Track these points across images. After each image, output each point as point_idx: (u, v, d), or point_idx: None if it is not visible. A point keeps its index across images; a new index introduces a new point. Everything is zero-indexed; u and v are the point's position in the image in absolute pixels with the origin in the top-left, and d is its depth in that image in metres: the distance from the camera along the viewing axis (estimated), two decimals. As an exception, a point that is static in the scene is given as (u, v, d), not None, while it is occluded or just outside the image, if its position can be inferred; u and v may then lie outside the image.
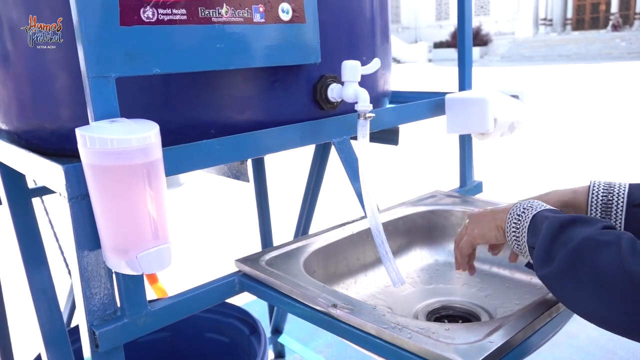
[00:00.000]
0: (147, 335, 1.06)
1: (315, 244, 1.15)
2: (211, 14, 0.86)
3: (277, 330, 2.26)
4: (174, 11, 0.82)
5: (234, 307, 1.62)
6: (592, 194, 0.89)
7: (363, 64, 1.05)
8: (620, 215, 0.86)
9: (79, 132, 0.73)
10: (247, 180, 1.21)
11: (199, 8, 0.84)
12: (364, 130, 1.02)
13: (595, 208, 0.88)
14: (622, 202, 0.86)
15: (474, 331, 0.77)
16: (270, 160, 2.06)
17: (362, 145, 1.02)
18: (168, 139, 0.83)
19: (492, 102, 1.36)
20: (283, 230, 2.53)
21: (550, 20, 28.47)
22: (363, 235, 1.23)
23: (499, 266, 1.25)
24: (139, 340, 1.10)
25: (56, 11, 0.87)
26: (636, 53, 21.98)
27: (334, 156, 1.34)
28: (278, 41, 0.96)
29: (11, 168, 1.06)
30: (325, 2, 1.06)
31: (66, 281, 1.82)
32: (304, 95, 1.09)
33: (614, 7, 26.77)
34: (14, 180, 1.11)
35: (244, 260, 1.07)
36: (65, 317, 1.82)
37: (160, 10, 0.80)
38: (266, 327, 2.19)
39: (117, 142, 0.71)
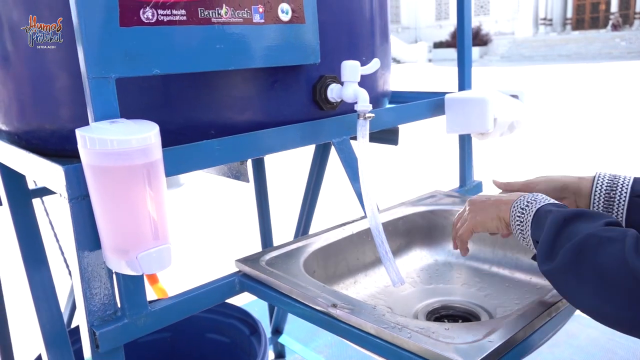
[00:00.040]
0: (148, 336, 1.07)
1: (315, 244, 1.15)
2: (211, 15, 0.86)
3: (277, 331, 2.26)
4: (174, 12, 0.82)
5: (234, 307, 1.62)
6: (597, 182, 0.90)
7: (362, 64, 1.06)
8: (623, 204, 0.86)
9: (79, 132, 0.73)
10: (247, 181, 1.21)
11: (199, 9, 0.84)
12: (363, 130, 1.02)
13: (599, 195, 0.89)
14: (626, 191, 0.86)
15: (474, 331, 0.77)
16: (271, 161, 2.06)
17: (361, 146, 1.02)
18: (168, 140, 0.84)
19: (492, 102, 1.36)
20: (283, 231, 2.53)
21: (550, 20, 28.48)
22: (363, 235, 1.23)
23: (498, 266, 1.25)
24: (139, 341, 1.10)
25: (56, 11, 0.87)
26: (636, 52, 21.98)
27: (334, 156, 1.34)
28: (277, 41, 0.96)
29: (11, 169, 1.06)
30: (325, 3, 1.06)
31: (67, 282, 1.82)
32: (304, 96, 1.09)
33: (614, 6, 26.78)
34: (14, 181, 1.12)
35: (244, 261, 1.07)
36: (65, 318, 1.82)
37: (160, 11, 0.80)
38: (266, 327, 2.19)
39: (117, 143, 0.72)
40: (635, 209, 0.85)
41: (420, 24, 35.01)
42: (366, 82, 1.14)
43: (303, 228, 2.01)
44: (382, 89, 1.31)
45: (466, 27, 1.52)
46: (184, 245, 3.64)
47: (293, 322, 2.33)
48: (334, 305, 0.87)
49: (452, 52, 25.59)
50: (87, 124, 0.78)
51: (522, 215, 0.81)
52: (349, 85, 1.04)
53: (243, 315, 1.60)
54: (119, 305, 0.89)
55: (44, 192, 1.53)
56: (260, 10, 0.92)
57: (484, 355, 0.71)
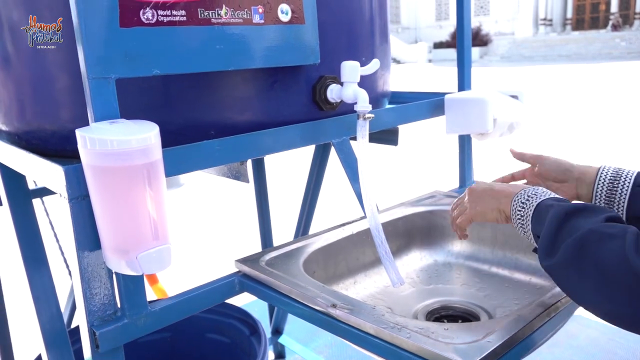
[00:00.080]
0: (148, 336, 1.07)
1: (315, 244, 1.16)
2: (210, 15, 0.86)
3: (277, 331, 2.26)
4: (174, 12, 0.82)
5: (234, 307, 1.62)
6: (602, 171, 0.93)
7: (362, 65, 1.06)
8: (625, 193, 0.88)
9: (79, 133, 0.74)
10: (247, 181, 1.21)
11: (199, 9, 0.84)
12: (363, 130, 1.02)
13: (602, 183, 0.91)
14: (629, 182, 0.88)
15: (473, 331, 0.78)
16: (271, 161, 2.06)
17: (361, 146, 1.02)
18: (168, 140, 0.84)
19: (492, 103, 1.36)
20: (283, 231, 2.53)
21: (550, 20, 28.48)
22: (363, 236, 1.23)
23: (498, 266, 1.25)
24: (139, 341, 1.10)
25: (56, 11, 0.87)
26: (636, 53, 21.98)
27: (333, 156, 1.34)
28: (277, 42, 0.96)
29: (11, 169, 1.06)
30: (325, 3, 1.06)
31: (67, 282, 1.82)
32: (304, 96, 1.09)
33: (614, 6, 26.78)
34: (15, 181, 1.12)
35: (244, 261, 1.07)
36: (65, 318, 1.82)
37: (160, 12, 0.81)
38: (266, 327, 2.19)
39: (117, 143, 0.72)
40: (637, 198, 0.87)
41: (420, 24, 35.01)
42: (366, 82, 1.14)
43: (303, 228, 2.01)
44: (382, 89, 1.31)
45: (466, 28, 1.52)
46: (184, 246, 3.64)
47: (293, 323, 2.33)
48: (334, 306, 0.87)
49: (452, 53, 25.58)
50: (87, 124, 0.79)
51: (523, 210, 0.81)
52: (348, 85, 1.05)
53: (243, 316, 1.60)
54: (119, 305, 0.89)
55: (44, 192, 1.53)
56: (260, 10, 0.92)
57: (483, 356, 0.71)
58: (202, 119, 0.98)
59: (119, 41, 0.77)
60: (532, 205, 0.80)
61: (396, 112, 1.31)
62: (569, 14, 28.48)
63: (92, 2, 0.74)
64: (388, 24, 1.34)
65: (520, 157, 1.10)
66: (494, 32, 29.42)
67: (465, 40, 1.52)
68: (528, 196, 0.82)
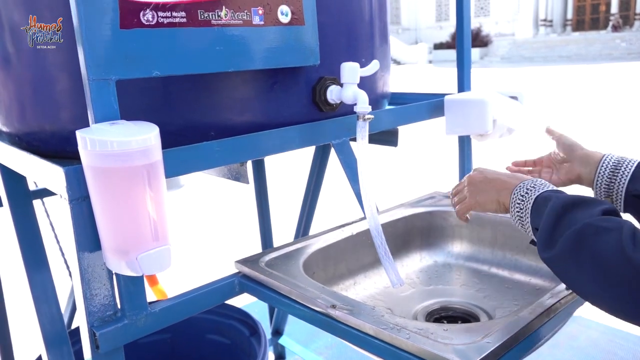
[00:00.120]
0: (148, 337, 1.07)
1: (315, 245, 1.16)
2: (210, 17, 0.86)
3: (277, 332, 2.26)
4: (174, 14, 0.82)
5: (234, 308, 1.62)
6: (607, 156, 0.95)
7: (362, 66, 1.06)
8: (627, 173, 0.90)
9: (79, 134, 0.74)
10: (247, 182, 1.21)
11: (199, 11, 0.85)
12: (362, 131, 1.02)
13: (607, 164, 0.93)
14: (632, 164, 0.90)
15: (472, 332, 0.78)
16: (271, 162, 2.06)
17: (361, 147, 1.02)
18: (168, 141, 0.84)
19: (491, 104, 1.37)
20: (283, 232, 2.53)
21: (551, 21, 28.48)
22: (362, 237, 1.23)
23: (497, 267, 1.25)
24: (139, 342, 1.10)
25: (56, 11, 0.87)
26: (636, 53, 21.98)
27: (334, 157, 1.34)
28: (277, 43, 0.96)
29: (12, 170, 1.06)
30: (324, 4, 1.07)
31: (67, 283, 1.82)
32: (303, 97, 1.10)
33: (614, 7, 26.77)
34: (15, 182, 1.12)
35: (244, 262, 1.08)
36: (66, 319, 1.83)
37: (160, 13, 0.81)
38: (266, 328, 2.19)
39: (117, 144, 0.72)
40: (638, 178, 0.89)
41: (420, 25, 35.02)
42: (366, 83, 1.14)
43: (303, 229, 2.01)
44: (382, 90, 1.31)
45: (465, 29, 1.52)
46: (184, 247, 3.64)
47: (293, 324, 2.33)
48: (333, 306, 0.87)
49: (452, 54, 25.56)
50: (87, 125, 0.79)
51: (522, 202, 0.82)
52: (348, 86, 1.05)
53: (243, 317, 1.60)
54: (119, 306, 0.89)
55: (44, 193, 1.53)
56: (260, 12, 0.92)
57: (483, 356, 0.71)
58: (202, 120, 0.98)
59: (120, 42, 0.78)
60: (531, 198, 0.81)
61: (396, 113, 1.32)
62: (569, 15, 28.47)
63: (92, 4, 0.74)
64: (388, 25, 1.34)
65: (557, 138, 1.07)
66: (494, 33, 29.42)
67: (465, 41, 1.53)
68: (527, 189, 0.83)
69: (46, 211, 1.87)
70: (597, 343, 2.32)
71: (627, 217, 0.87)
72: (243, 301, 1.85)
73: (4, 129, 1.07)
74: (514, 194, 0.84)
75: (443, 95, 1.46)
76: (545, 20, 28.24)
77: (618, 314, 0.67)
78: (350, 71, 1.04)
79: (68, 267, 1.73)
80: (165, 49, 0.82)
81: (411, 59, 27.21)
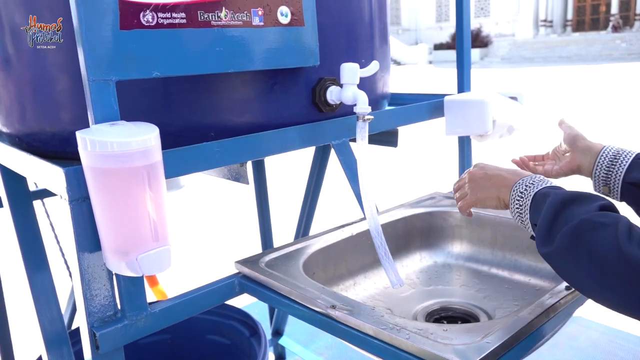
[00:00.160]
0: (148, 337, 1.07)
1: (315, 245, 1.16)
2: (210, 18, 0.86)
3: (277, 332, 2.26)
4: (174, 15, 0.82)
5: (234, 308, 1.62)
6: (607, 147, 0.98)
7: (362, 67, 1.06)
8: (626, 162, 0.92)
9: (79, 134, 0.74)
10: (247, 183, 1.21)
11: (199, 12, 0.85)
12: (362, 132, 1.02)
13: (606, 154, 0.96)
14: (631, 154, 0.93)
15: (472, 332, 0.78)
16: (271, 162, 2.06)
17: (361, 147, 1.03)
18: (168, 142, 0.84)
19: (491, 104, 1.37)
20: (283, 232, 2.53)
21: (551, 21, 28.47)
22: (362, 237, 1.23)
23: (497, 267, 1.25)
24: (139, 342, 1.10)
25: (56, 11, 0.87)
26: (636, 54, 21.97)
27: (334, 158, 1.34)
28: (277, 44, 0.96)
29: (12, 171, 1.07)
30: (324, 5, 1.07)
31: (67, 283, 1.82)
32: (303, 98, 1.10)
33: (614, 8, 26.76)
34: (15, 182, 1.12)
35: (244, 262, 1.08)
36: (66, 319, 1.83)
37: (160, 14, 0.81)
38: (267, 329, 2.19)
39: (117, 145, 0.72)
40: (635, 168, 0.91)
41: (420, 26, 35.02)
42: (365, 84, 1.14)
43: (303, 229, 2.01)
44: (382, 91, 1.32)
45: (465, 29, 1.52)
46: (184, 247, 3.64)
47: (293, 324, 2.33)
48: (333, 307, 0.87)
49: (452, 54, 25.53)
50: (87, 126, 0.79)
51: (521, 199, 0.83)
52: (348, 87, 1.05)
53: (243, 317, 1.60)
54: (119, 306, 0.89)
55: (44, 194, 1.53)
56: (260, 13, 0.93)
57: (482, 356, 0.71)
58: (202, 121, 0.98)
59: (119, 43, 0.78)
60: (530, 195, 0.82)
61: (396, 113, 1.32)
62: (569, 16, 28.47)
63: (92, 5, 0.75)
64: (388, 26, 1.34)
65: (565, 129, 1.08)
66: (494, 33, 29.41)
67: (464, 42, 1.53)
68: (526, 185, 0.84)
69: (46, 212, 1.88)
70: (597, 343, 2.32)
71: (623, 206, 0.90)
72: (243, 301, 1.85)
73: (4, 129, 1.07)
74: (514, 191, 0.85)
75: (443, 95, 1.46)
76: (545, 20, 28.24)
77: (615, 308, 0.68)
78: (350, 72, 1.04)
79: (68, 268, 1.73)
80: (165, 49, 0.82)
81: (411, 59, 27.21)
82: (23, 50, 0.93)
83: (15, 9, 0.92)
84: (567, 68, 18.69)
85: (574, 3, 28.13)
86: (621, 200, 0.94)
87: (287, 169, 5.14)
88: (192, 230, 4.05)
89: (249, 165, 1.69)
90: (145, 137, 0.74)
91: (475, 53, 24.77)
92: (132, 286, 0.89)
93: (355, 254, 1.23)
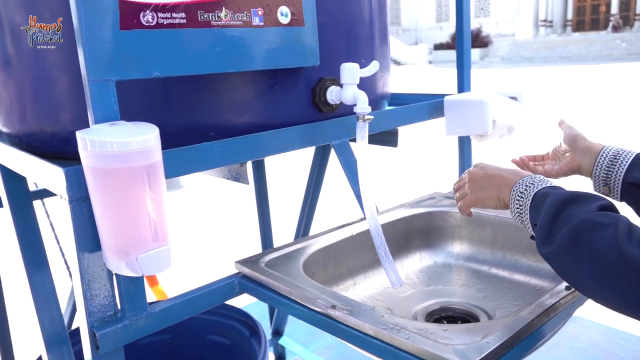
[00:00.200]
0: (148, 337, 1.07)
1: (315, 245, 1.16)
2: (210, 18, 0.86)
3: (277, 332, 2.26)
4: (174, 15, 0.82)
5: (234, 308, 1.62)
6: (607, 147, 0.98)
7: (362, 67, 1.06)
8: (626, 162, 0.92)
9: (79, 134, 0.74)
10: (247, 183, 1.21)
11: (199, 12, 0.85)
12: (362, 132, 1.02)
13: (606, 154, 0.96)
14: (631, 154, 0.93)
15: (472, 332, 0.78)
16: (271, 162, 2.06)
17: (361, 147, 1.03)
18: (168, 142, 0.84)
19: (491, 104, 1.37)
20: (283, 232, 2.53)
21: (551, 21, 28.47)
22: (362, 237, 1.23)
23: (497, 267, 1.25)
24: (139, 342, 1.10)
25: (56, 11, 0.87)
26: (636, 54, 21.97)
27: (334, 158, 1.34)
28: (277, 44, 0.96)
29: (12, 171, 1.07)
30: (324, 5, 1.07)
31: (67, 283, 1.82)
32: (303, 98, 1.10)
33: (614, 8, 26.75)
34: (15, 182, 1.12)
35: (244, 262, 1.08)
36: (66, 320, 1.83)
37: (160, 14, 0.81)
38: (267, 329, 2.19)
39: (117, 145, 0.72)
40: (635, 168, 0.91)
41: (420, 26, 35.01)
42: (365, 84, 1.14)
43: (303, 229, 2.01)
44: (382, 91, 1.32)
45: (465, 29, 1.52)
46: (184, 247, 3.64)
47: (293, 324, 2.33)
48: (333, 307, 0.87)
49: (452, 54, 25.50)
50: (87, 126, 0.79)
51: (521, 199, 0.83)
52: (348, 87, 1.05)
53: (243, 317, 1.60)
54: (119, 306, 0.89)
55: (44, 194, 1.54)
56: (260, 13, 0.93)
57: (482, 356, 0.71)
58: (202, 121, 0.99)
59: (119, 44, 0.78)
60: (530, 195, 0.82)
61: (396, 113, 1.32)
62: (569, 16, 28.46)
63: (92, 5, 0.75)
64: (388, 26, 1.34)
65: (565, 129, 1.08)
66: (494, 33, 29.41)
67: (464, 42, 1.53)
68: (526, 185, 0.84)
69: (46, 212, 1.88)
70: (597, 343, 2.32)
71: (623, 206, 0.91)
72: (243, 302, 1.85)
73: (4, 129, 1.07)
74: (514, 191, 0.85)
75: (443, 95, 1.46)
76: (545, 20, 28.24)
77: (615, 308, 0.68)
78: (350, 72, 1.04)
79: (68, 268, 1.73)
80: (165, 49, 0.82)
81: (411, 59, 27.21)
82: (23, 50, 0.93)
83: (15, 9, 0.92)
84: (567, 68, 18.69)
85: (574, 3, 28.13)
86: (621, 200, 0.94)
87: (287, 169, 5.14)
88: (192, 230, 4.05)
89: (249, 165, 1.69)
90: (145, 137, 0.74)
91: (475, 53, 24.77)
92: (132, 286, 0.89)
93: (355, 254, 1.23)
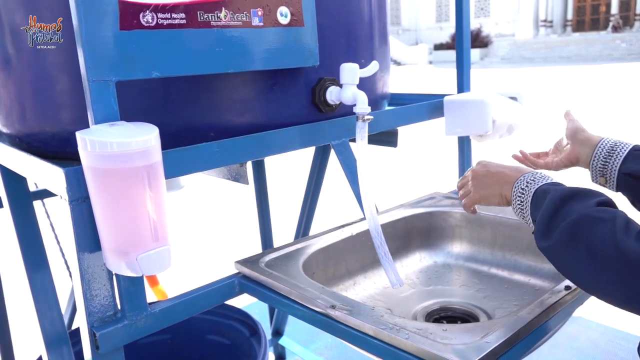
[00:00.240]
0: (148, 337, 1.07)
1: (315, 245, 1.16)
2: (210, 18, 0.86)
3: (277, 332, 2.26)
4: (174, 15, 0.82)
5: (234, 309, 1.62)
6: (605, 138, 1.00)
7: (361, 67, 1.06)
8: (622, 153, 0.95)
9: (79, 135, 0.74)
10: (247, 183, 1.21)
11: (198, 12, 0.85)
12: (362, 132, 1.03)
13: (604, 145, 0.98)
14: (627, 146, 0.96)
15: (471, 332, 0.78)
16: (271, 162, 2.07)
17: (360, 148, 1.03)
18: (168, 142, 0.84)
19: (491, 104, 1.37)
20: (283, 232, 2.53)
21: (551, 21, 28.47)
22: (362, 237, 1.23)
23: (497, 267, 1.26)
24: (139, 342, 1.10)
25: (56, 11, 0.87)
26: (636, 54, 21.97)
27: (334, 158, 1.34)
28: (277, 44, 0.96)
29: (12, 171, 1.07)
30: (324, 6, 1.07)
31: (67, 283, 1.82)
32: (303, 98, 1.10)
33: (614, 8, 26.75)
34: (15, 183, 1.12)
35: (244, 262, 1.08)
36: (66, 320, 1.83)
37: (160, 15, 0.81)
38: (267, 329, 2.19)
39: (117, 145, 0.72)
40: (631, 159, 0.94)
41: (420, 26, 35.01)
42: (365, 84, 1.14)
43: (303, 229, 2.01)
44: (381, 91, 1.32)
45: (465, 30, 1.52)
46: (184, 247, 3.64)
47: (293, 324, 2.33)
48: (333, 307, 0.87)
49: (452, 54, 25.43)
50: (87, 126, 0.79)
51: (523, 196, 0.85)
52: (347, 87, 1.05)
53: (243, 317, 1.60)
54: (119, 306, 0.89)
55: (44, 194, 1.54)
56: (260, 13, 0.93)
57: (482, 356, 0.71)
58: (202, 121, 0.99)
59: (119, 44, 0.78)
60: (531, 191, 0.83)
61: (395, 113, 1.32)
62: (570, 16, 28.46)
63: (92, 5, 0.75)
64: (387, 26, 1.34)
65: (568, 121, 1.10)
66: (494, 33, 29.39)
67: (464, 42, 1.53)
68: (527, 182, 0.85)
69: (46, 212, 1.88)
70: (597, 343, 2.32)
71: (619, 196, 0.93)
72: (243, 302, 1.85)
73: (5, 130, 1.07)
74: (515, 187, 0.87)
75: (442, 95, 1.46)
76: (545, 20, 28.24)
77: (613, 302, 0.69)
78: (350, 72, 1.04)
79: (68, 268, 1.73)
80: (165, 50, 0.82)
81: (411, 59, 27.21)
82: (23, 50, 0.93)
83: (15, 9, 0.92)
84: (567, 68, 18.68)
85: (574, 3, 28.12)
86: (617, 190, 0.96)
87: (287, 169, 5.14)
88: (192, 230, 4.05)
89: (249, 165, 1.69)
90: (145, 137, 0.74)
91: (475, 53, 24.76)
92: (132, 286, 0.89)
93: (355, 254, 1.23)
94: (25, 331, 1.80)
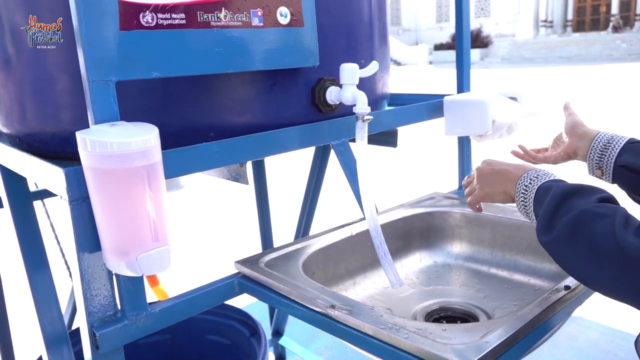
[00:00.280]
0: (148, 337, 1.07)
1: (314, 245, 1.16)
2: (210, 18, 0.86)
3: (277, 332, 2.27)
4: (173, 16, 0.82)
5: (234, 309, 1.63)
6: (602, 132, 1.02)
7: (361, 67, 1.06)
8: (618, 145, 0.97)
9: (79, 135, 0.74)
10: (247, 183, 1.21)
11: (198, 12, 0.85)
12: (362, 132, 1.03)
13: (601, 138, 1.00)
14: (624, 139, 0.98)
15: (471, 331, 0.78)
16: (271, 162, 2.07)
17: (360, 148, 1.03)
18: (167, 142, 0.84)
19: (490, 104, 1.37)
20: (283, 232, 2.53)
21: (551, 21, 28.46)
22: (362, 237, 1.23)
23: (497, 267, 1.26)
24: (139, 342, 1.10)
25: (56, 11, 0.87)
26: (637, 54, 21.96)
27: (334, 158, 1.34)
28: (276, 45, 0.96)
29: (12, 171, 1.07)
30: (324, 6, 1.07)
31: (67, 283, 1.82)
32: (303, 98, 1.10)
33: (615, 8, 26.75)
34: (16, 183, 1.12)
35: (244, 262, 1.08)
36: (66, 320, 1.83)
37: (160, 15, 0.81)
38: (267, 329, 2.19)
39: (117, 145, 0.72)
40: (627, 152, 0.96)
41: (420, 26, 35.01)
42: (365, 84, 1.14)
43: (303, 229, 2.01)
44: (381, 91, 1.32)
45: (465, 30, 1.52)
46: (184, 247, 3.64)
47: (293, 324, 2.33)
48: (333, 307, 0.87)
49: (452, 54, 25.33)
50: (87, 126, 0.79)
51: (526, 193, 0.86)
52: (347, 87, 1.05)
53: (243, 317, 1.60)
54: (119, 306, 0.89)
55: (44, 194, 1.54)
56: (259, 13, 0.93)
57: (481, 356, 0.71)
58: (202, 121, 0.99)
59: (119, 44, 0.78)
60: (534, 188, 0.85)
61: (395, 114, 1.32)
62: (570, 16, 28.45)
63: (92, 5, 0.75)
64: (387, 26, 1.34)
65: (568, 115, 1.13)
66: (494, 33, 29.39)
67: (464, 42, 1.53)
68: (530, 179, 0.87)
69: (47, 212, 1.88)
70: (597, 343, 2.32)
71: (615, 188, 0.95)
72: (243, 302, 1.85)
73: (5, 130, 1.08)
74: (519, 185, 0.88)
75: (442, 96, 1.46)
76: (545, 21, 28.23)
77: (612, 295, 0.70)
78: (350, 72, 1.04)
79: (68, 268, 1.73)
80: (164, 50, 0.83)
81: (411, 59, 27.21)
82: (23, 50, 0.94)
83: (15, 9, 0.93)
84: (568, 68, 18.68)
85: (574, 3, 28.12)
86: (613, 182, 0.98)
87: (287, 169, 5.14)
88: (192, 230, 4.05)
89: (249, 165, 1.69)
90: (145, 137, 0.74)
91: (475, 53, 24.76)
92: (132, 286, 0.89)
93: (354, 254, 1.23)
94: (25, 331, 1.80)
